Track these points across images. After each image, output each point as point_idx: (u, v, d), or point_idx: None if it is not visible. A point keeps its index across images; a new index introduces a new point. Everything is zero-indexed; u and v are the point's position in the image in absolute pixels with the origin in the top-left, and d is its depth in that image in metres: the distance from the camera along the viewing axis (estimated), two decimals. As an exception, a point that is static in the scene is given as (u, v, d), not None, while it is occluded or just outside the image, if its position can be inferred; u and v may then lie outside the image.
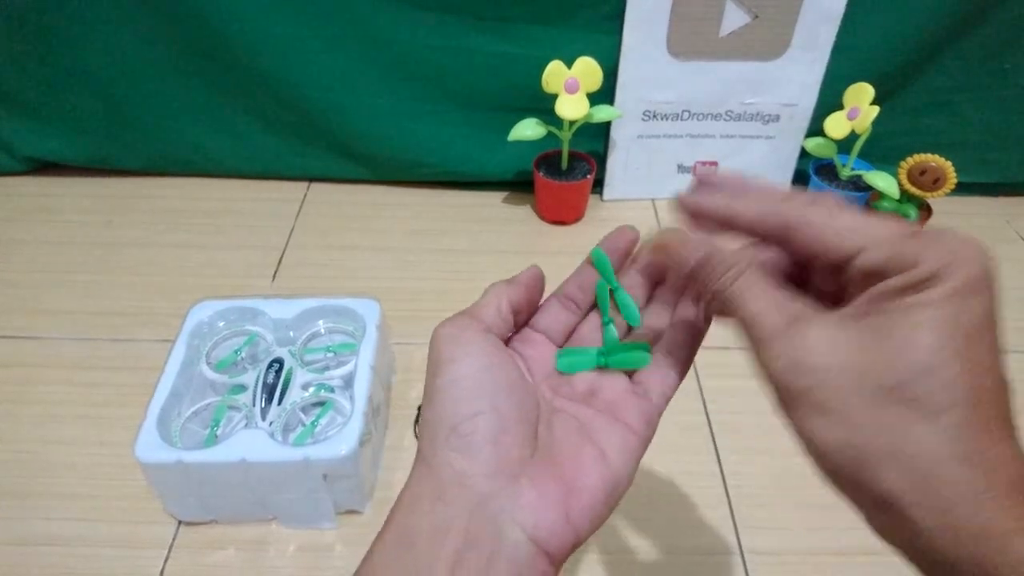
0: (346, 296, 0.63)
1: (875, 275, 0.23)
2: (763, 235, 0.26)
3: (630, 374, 0.31)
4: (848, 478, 0.23)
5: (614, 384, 0.30)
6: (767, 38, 0.79)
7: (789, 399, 0.24)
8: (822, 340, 0.23)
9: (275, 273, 0.79)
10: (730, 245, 0.27)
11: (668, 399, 0.30)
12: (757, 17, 0.78)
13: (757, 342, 0.25)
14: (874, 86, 0.77)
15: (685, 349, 0.30)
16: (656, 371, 0.30)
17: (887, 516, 0.22)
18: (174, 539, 0.55)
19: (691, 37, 0.79)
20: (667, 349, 0.31)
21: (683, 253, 0.27)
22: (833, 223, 0.24)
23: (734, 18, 0.78)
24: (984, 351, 0.21)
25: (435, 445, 0.26)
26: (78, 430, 0.62)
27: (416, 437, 0.63)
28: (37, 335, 0.71)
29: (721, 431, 0.63)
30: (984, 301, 0.22)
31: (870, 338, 0.22)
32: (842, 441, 0.22)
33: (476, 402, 0.27)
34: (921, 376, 0.21)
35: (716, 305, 0.27)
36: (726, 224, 0.27)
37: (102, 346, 0.70)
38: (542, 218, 0.88)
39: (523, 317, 0.31)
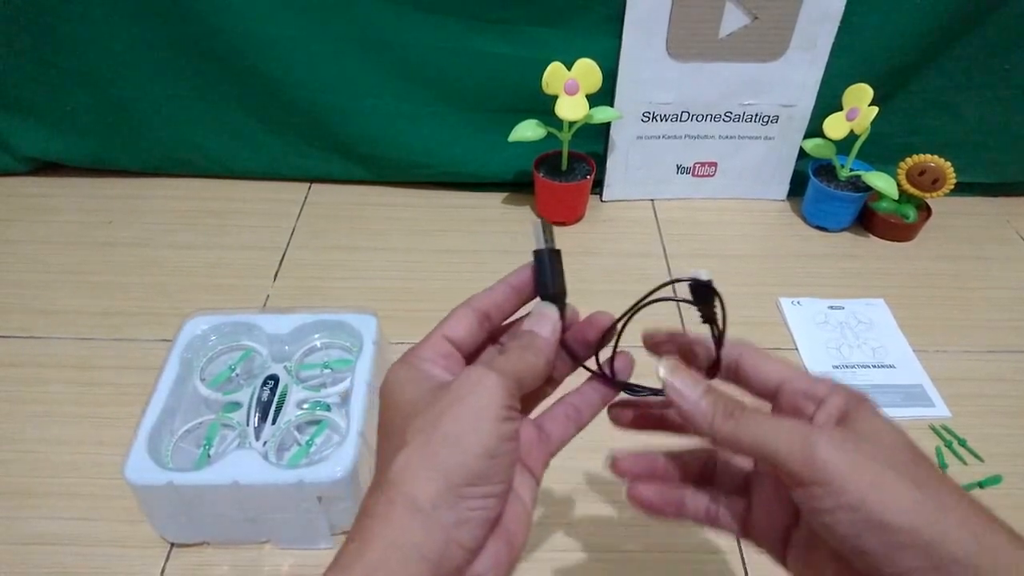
0: (343, 310, 0.61)
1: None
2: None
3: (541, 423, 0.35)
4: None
5: (527, 431, 0.33)
6: (766, 39, 0.79)
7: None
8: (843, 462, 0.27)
9: (276, 273, 0.79)
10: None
11: (563, 447, 0.35)
12: (756, 18, 0.78)
13: (790, 477, 0.28)
14: (873, 87, 0.77)
15: (591, 411, 0.35)
16: (563, 422, 0.35)
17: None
18: (169, 554, 0.55)
19: (690, 38, 0.79)
20: (577, 406, 0.35)
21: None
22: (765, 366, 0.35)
23: (733, 19, 0.78)
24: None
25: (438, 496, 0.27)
26: (78, 430, 0.62)
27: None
28: (37, 335, 0.71)
29: (721, 431, 0.63)
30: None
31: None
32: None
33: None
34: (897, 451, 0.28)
35: (725, 446, 0.31)
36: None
37: (102, 346, 0.70)
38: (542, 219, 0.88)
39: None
